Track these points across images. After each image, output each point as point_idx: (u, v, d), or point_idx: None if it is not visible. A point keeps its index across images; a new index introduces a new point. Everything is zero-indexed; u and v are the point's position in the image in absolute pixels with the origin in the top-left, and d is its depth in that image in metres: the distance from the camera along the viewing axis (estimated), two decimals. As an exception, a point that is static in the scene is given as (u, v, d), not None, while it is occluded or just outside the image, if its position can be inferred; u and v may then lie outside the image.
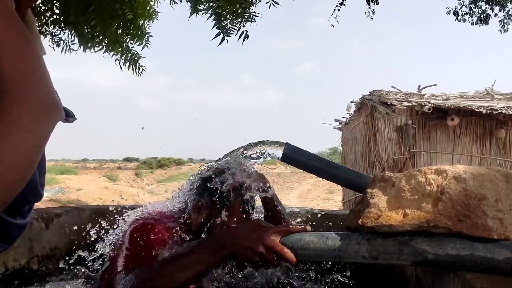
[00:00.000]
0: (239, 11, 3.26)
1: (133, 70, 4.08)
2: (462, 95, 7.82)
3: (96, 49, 3.90)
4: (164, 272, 0.99)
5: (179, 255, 1.04)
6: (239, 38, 3.30)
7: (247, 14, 3.30)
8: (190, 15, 3.37)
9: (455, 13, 7.26)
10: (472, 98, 7.59)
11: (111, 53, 3.93)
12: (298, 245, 0.99)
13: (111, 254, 1.18)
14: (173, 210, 1.26)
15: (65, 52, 4.08)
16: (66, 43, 4.04)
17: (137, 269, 1.03)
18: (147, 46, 4.03)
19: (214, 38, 3.28)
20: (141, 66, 4.10)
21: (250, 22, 3.32)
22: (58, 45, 4.01)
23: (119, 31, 3.75)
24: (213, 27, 3.25)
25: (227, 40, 3.27)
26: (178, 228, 1.21)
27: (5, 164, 0.58)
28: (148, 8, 3.88)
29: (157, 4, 4.02)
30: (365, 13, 6.11)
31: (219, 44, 3.27)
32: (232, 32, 3.29)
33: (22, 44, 0.64)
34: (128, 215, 1.25)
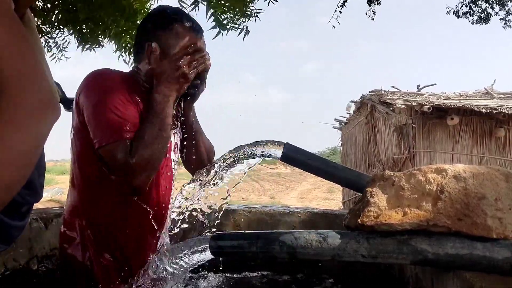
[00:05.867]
0: (238, 8, 3.24)
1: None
2: (461, 94, 7.81)
3: (96, 47, 3.87)
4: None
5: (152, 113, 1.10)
6: (239, 33, 3.31)
7: (248, 11, 3.28)
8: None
9: (455, 13, 7.26)
10: (471, 97, 7.58)
11: (115, 48, 3.87)
12: (298, 244, 0.99)
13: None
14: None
15: (58, 58, 4.02)
16: (60, 48, 3.98)
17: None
18: None
19: (210, 29, 3.28)
20: None
21: (249, 19, 3.30)
22: (50, 50, 3.93)
23: (124, 23, 3.70)
24: (209, 19, 3.24)
25: (222, 34, 3.27)
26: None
27: (3, 164, 0.58)
28: (147, 6, 3.86)
29: (156, 1, 3.98)
30: (366, 13, 6.10)
31: (214, 38, 3.27)
32: (232, 28, 3.28)
33: (20, 43, 0.63)
34: None
